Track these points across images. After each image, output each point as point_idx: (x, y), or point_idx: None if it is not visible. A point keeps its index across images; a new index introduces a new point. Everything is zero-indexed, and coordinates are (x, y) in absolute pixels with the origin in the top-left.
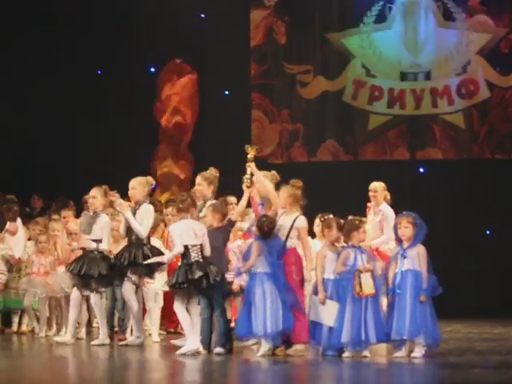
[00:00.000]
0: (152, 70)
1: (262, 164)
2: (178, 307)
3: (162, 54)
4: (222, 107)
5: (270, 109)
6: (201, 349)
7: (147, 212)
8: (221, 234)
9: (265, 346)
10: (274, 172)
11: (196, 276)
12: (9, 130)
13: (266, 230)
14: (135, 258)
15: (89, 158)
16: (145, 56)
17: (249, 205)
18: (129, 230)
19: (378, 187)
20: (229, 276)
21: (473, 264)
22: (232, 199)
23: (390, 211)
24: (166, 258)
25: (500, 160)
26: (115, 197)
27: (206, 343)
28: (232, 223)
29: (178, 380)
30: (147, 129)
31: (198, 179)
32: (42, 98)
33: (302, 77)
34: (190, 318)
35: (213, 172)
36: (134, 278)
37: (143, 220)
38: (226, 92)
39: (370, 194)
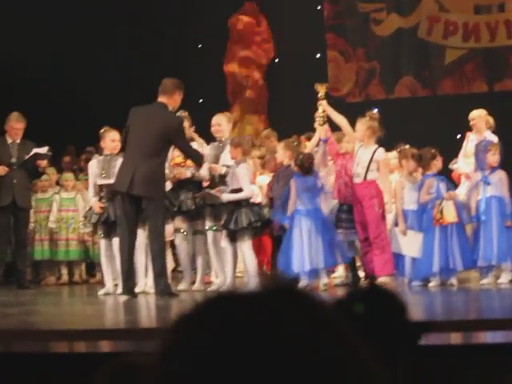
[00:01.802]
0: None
1: (341, 103)
2: (250, 248)
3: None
4: (297, 49)
5: (345, 48)
6: None
7: None
8: (292, 172)
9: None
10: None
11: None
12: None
13: (307, 165)
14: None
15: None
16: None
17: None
18: None
19: (474, 114)
20: None
21: None
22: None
23: (494, 138)
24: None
25: None
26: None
27: None
28: None
29: None
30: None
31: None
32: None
33: (375, 15)
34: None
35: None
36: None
37: None
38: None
39: (471, 122)
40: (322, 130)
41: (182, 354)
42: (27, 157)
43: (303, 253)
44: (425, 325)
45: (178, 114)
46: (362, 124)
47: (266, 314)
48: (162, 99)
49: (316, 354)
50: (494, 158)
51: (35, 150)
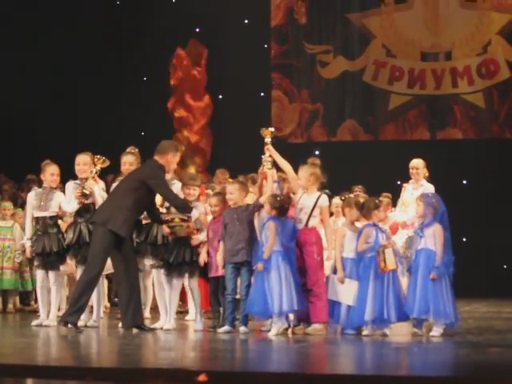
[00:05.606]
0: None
1: (282, 144)
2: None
3: (180, 34)
4: (242, 87)
5: (290, 89)
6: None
7: None
8: (248, 213)
9: (278, 325)
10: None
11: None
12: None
13: (286, 207)
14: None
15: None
16: (164, 37)
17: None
18: None
19: (419, 164)
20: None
21: (496, 242)
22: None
23: (431, 186)
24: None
25: None
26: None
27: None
28: (260, 206)
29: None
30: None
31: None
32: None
33: (322, 57)
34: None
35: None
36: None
37: None
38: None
39: (412, 171)
40: (270, 174)
41: None
42: None
43: (282, 294)
44: None
45: (128, 149)
46: (304, 171)
47: None
48: (156, 157)
49: None
50: (418, 208)
51: None
